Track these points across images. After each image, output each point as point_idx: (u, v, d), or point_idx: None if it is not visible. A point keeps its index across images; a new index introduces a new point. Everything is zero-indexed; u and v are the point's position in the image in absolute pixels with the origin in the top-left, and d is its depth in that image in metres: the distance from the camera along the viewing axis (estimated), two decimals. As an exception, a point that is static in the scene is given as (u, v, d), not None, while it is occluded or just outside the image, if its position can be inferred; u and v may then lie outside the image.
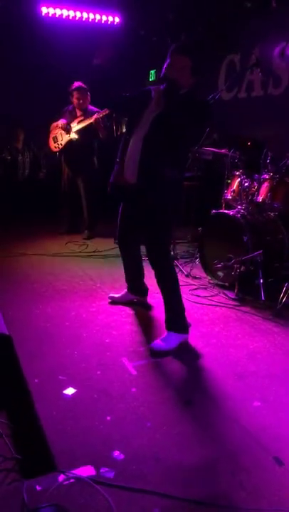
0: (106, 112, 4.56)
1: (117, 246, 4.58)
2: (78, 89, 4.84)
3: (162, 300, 2.74)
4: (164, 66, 2.49)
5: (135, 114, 2.65)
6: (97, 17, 5.97)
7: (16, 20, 5.60)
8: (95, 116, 4.63)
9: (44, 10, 5.69)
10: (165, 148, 2.51)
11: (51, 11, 5.73)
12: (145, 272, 3.17)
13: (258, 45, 4.97)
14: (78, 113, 4.94)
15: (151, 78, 6.28)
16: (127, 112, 2.82)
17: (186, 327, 2.71)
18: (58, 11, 5.77)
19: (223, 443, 1.88)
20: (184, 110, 2.46)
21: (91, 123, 4.68)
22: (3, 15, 5.54)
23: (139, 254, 3.11)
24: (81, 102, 4.86)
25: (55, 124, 4.99)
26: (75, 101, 4.89)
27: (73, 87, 4.86)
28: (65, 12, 5.80)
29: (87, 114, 4.83)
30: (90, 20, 5.96)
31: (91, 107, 4.92)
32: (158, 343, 2.62)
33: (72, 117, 4.95)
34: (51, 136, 5.06)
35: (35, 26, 5.69)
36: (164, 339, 2.64)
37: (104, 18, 6.01)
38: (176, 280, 2.72)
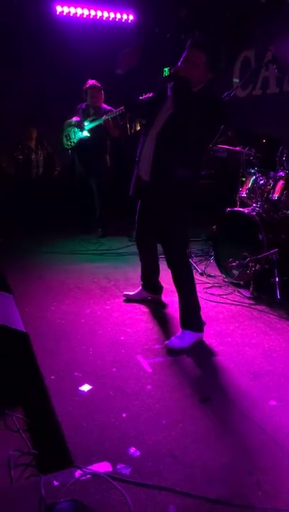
0: (121, 109, 4.57)
1: (130, 244, 4.65)
2: (92, 87, 4.86)
3: (177, 298, 2.74)
4: (180, 60, 2.47)
5: (152, 113, 2.65)
6: (111, 15, 5.98)
7: (30, 19, 5.63)
8: (104, 117, 4.65)
9: (58, 9, 5.71)
10: (176, 147, 2.50)
11: (65, 9, 5.75)
12: (160, 270, 3.17)
13: (273, 41, 4.92)
14: (91, 111, 4.95)
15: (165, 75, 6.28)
16: (143, 116, 2.82)
17: (201, 326, 2.70)
18: (73, 10, 5.79)
19: (239, 442, 1.88)
20: (196, 109, 2.42)
21: (102, 123, 4.70)
22: (18, 14, 5.58)
23: (155, 252, 3.11)
24: (95, 100, 4.87)
25: (68, 121, 5.02)
26: (89, 99, 4.91)
27: (87, 86, 4.88)
28: (79, 10, 5.82)
29: (100, 113, 4.85)
30: (104, 18, 5.97)
31: (104, 106, 4.93)
32: (173, 340, 2.62)
33: (86, 115, 4.96)
34: (64, 133, 5.09)
35: (49, 25, 5.72)
36: (179, 337, 2.64)
37: (118, 15, 6.01)
38: (192, 279, 2.72)
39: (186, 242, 2.77)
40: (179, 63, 2.49)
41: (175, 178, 2.53)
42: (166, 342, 2.63)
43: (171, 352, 2.56)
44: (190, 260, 3.87)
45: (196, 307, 2.71)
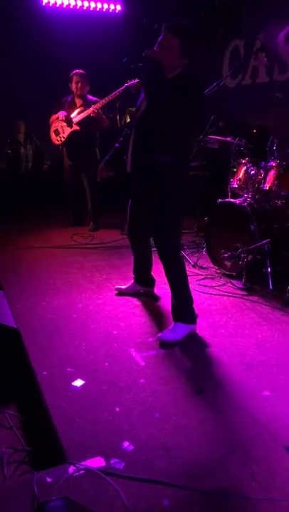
0: (107, 98, 4.54)
1: (122, 237, 4.63)
2: (78, 73, 4.80)
3: (169, 291, 2.72)
4: (155, 45, 2.43)
5: (138, 105, 2.63)
6: (98, 5, 5.90)
7: (16, 10, 5.54)
8: (93, 107, 4.59)
9: (44, -1, 5.63)
10: (154, 135, 2.47)
11: (52, 0, 5.66)
12: (153, 263, 3.15)
13: (262, 30, 4.88)
14: (78, 103, 4.88)
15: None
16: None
17: (194, 318, 2.69)
18: (59, 0, 5.70)
19: (233, 433, 1.87)
20: (171, 95, 2.36)
21: (90, 115, 4.64)
22: (3, 6, 5.48)
23: (148, 245, 3.09)
24: (79, 85, 4.78)
25: (54, 116, 4.93)
26: (74, 86, 4.82)
27: (73, 72, 4.82)
28: (65, 1, 5.73)
29: (86, 105, 4.78)
30: (92, 8, 5.89)
31: (90, 97, 4.87)
32: (166, 333, 2.61)
33: (72, 108, 4.89)
34: (52, 129, 4.99)
35: (35, 16, 5.63)
36: (171, 330, 2.63)
37: (105, 6, 5.94)
38: (184, 271, 2.70)
39: (176, 234, 2.73)
40: (155, 47, 2.44)
41: (156, 168, 2.49)
42: (159, 335, 2.61)
43: (164, 345, 2.55)
44: (182, 252, 3.86)
45: (189, 299, 2.69)
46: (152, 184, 2.54)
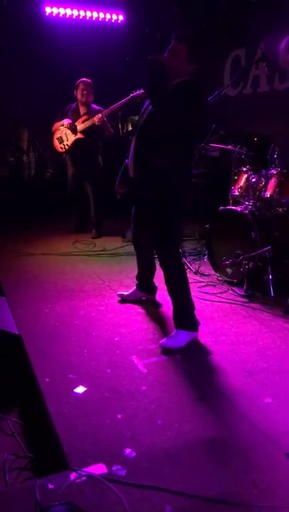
0: (113, 107, 4.57)
1: (125, 244, 4.64)
2: (84, 82, 4.85)
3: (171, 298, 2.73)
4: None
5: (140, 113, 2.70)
6: (101, 15, 5.97)
7: (20, 21, 5.62)
8: (98, 116, 4.63)
9: (48, 10, 5.70)
10: (156, 137, 2.52)
11: (55, 10, 5.74)
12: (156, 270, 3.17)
13: (263, 39, 4.93)
14: (82, 111, 4.93)
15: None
16: None
17: (196, 325, 2.70)
18: (62, 11, 5.77)
19: (234, 440, 1.87)
20: (173, 101, 2.42)
21: (95, 123, 4.69)
22: (7, 16, 5.56)
23: (151, 252, 3.11)
24: (85, 94, 4.84)
25: (58, 123, 4.98)
26: (79, 94, 4.87)
27: (78, 81, 4.88)
28: (68, 11, 5.80)
29: (90, 113, 4.83)
30: (94, 18, 5.96)
31: (94, 106, 4.92)
32: (168, 340, 2.61)
33: (76, 116, 4.94)
34: (55, 136, 5.04)
35: (39, 26, 5.70)
36: (173, 337, 2.63)
37: (108, 16, 6.00)
38: (186, 278, 2.71)
39: (177, 241, 2.74)
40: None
41: (157, 171, 2.52)
42: (161, 342, 2.62)
43: (166, 352, 2.55)
44: (183, 259, 3.88)
45: (190, 306, 2.70)
46: (153, 189, 2.57)
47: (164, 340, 2.63)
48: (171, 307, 2.73)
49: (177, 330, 2.66)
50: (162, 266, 2.69)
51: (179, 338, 2.61)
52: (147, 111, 2.62)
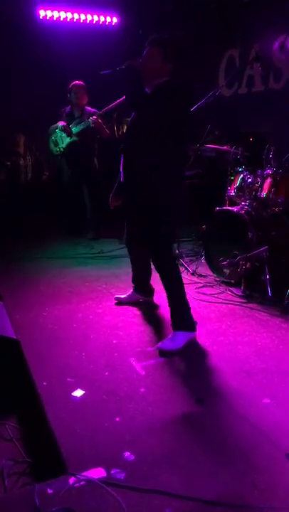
0: (107, 108, 4.57)
1: (122, 246, 4.64)
2: (77, 85, 4.86)
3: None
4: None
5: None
6: (95, 18, 5.97)
7: (13, 25, 5.61)
8: (93, 118, 4.63)
9: (42, 13, 5.69)
10: (142, 138, 2.57)
11: (49, 13, 5.73)
12: (152, 272, 3.16)
13: (257, 39, 4.95)
14: (76, 114, 4.94)
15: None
16: None
17: (193, 325, 2.70)
18: (56, 14, 5.77)
19: (234, 441, 1.87)
20: (154, 99, 2.51)
21: (90, 125, 4.69)
22: (0, 19, 5.55)
23: (146, 254, 3.10)
24: (78, 96, 4.85)
25: (53, 126, 4.99)
26: (73, 97, 4.89)
27: (71, 84, 4.89)
28: (62, 14, 5.80)
29: (85, 115, 4.83)
30: (88, 21, 5.96)
31: (88, 108, 4.92)
32: (166, 342, 2.61)
33: (71, 119, 4.94)
34: (51, 139, 5.05)
35: (33, 30, 5.69)
36: (171, 338, 2.63)
37: (102, 18, 6.00)
38: (180, 278, 2.71)
39: (168, 241, 2.72)
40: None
41: (141, 171, 2.56)
42: (159, 344, 2.61)
43: (164, 354, 2.55)
44: (179, 260, 3.88)
45: (186, 307, 2.70)
46: (138, 187, 2.62)
47: (161, 342, 2.63)
48: (165, 306, 2.73)
49: (174, 331, 2.65)
50: (156, 268, 2.72)
51: (177, 340, 2.61)
52: (132, 114, 2.71)
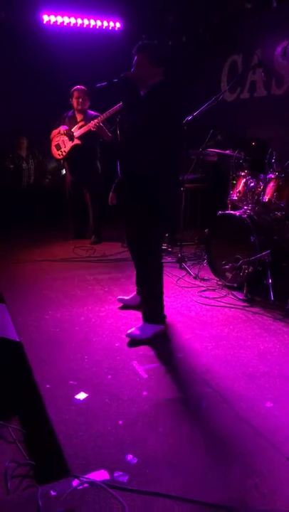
0: (109, 112, 4.58)
1: (124, 250, 4.65)
2: (79, 89, 4.89)
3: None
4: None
5: None
6: (98, 23, 6.02)
7: (18, 29, 5.66)
8: (95, 121, 4.65)
9: (45, 18, 5.75)
10: (136, 138, 2.71)
11: (52, 18, 5.79)
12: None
13: (259, 45, 4.98)
14: (78, 118, 4.96)
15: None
16: None
17: (163, 319, 2.83)
18: (60, 19, 5.82)
19: (236, 445, 1.87)
20: (146, 102, 2.63)
21: (91, 129, 4.71)
22: (4, 25, 5.60)
23: None
24: (80, 101, 4.86)
25: (55, 130, 5.00)
26: (74, 101, 4.90)
27: (73, 89, 4.91)
28: (66, 19, 5.85)
29: (87, 119, 4.85)
30: (91, 26, 6.01)
31: (91, 112, 4.94)
32: (134, 331, 2.74)
33: (73, 123, 4.96)
34: (53, 143, 5.05)
35: (36, 34, 5.74)
36: (140, 328, 2.76)
37: (105, 23, 6.05)
38: (161, 277, 2.81)
39: (155, 244, 2.83)
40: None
41: (134, 166, 2.67)
42: (128, 332, 2.73)
43: (133, 342, 2.68)
44: (183, 264, 3.89)
45: (160, 302, 2.81)
46: (130, 189, 2.73)
47: (131, 330, 2.74)
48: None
49: (144, 323, 2.78)
50: (139, 261, 2.85)
51: (145, 330, 2.74)
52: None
